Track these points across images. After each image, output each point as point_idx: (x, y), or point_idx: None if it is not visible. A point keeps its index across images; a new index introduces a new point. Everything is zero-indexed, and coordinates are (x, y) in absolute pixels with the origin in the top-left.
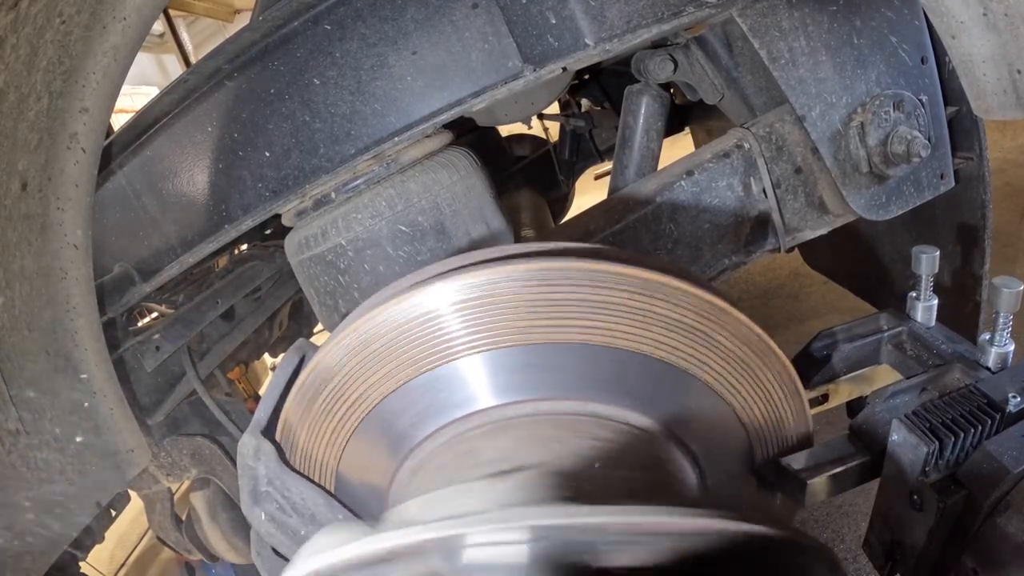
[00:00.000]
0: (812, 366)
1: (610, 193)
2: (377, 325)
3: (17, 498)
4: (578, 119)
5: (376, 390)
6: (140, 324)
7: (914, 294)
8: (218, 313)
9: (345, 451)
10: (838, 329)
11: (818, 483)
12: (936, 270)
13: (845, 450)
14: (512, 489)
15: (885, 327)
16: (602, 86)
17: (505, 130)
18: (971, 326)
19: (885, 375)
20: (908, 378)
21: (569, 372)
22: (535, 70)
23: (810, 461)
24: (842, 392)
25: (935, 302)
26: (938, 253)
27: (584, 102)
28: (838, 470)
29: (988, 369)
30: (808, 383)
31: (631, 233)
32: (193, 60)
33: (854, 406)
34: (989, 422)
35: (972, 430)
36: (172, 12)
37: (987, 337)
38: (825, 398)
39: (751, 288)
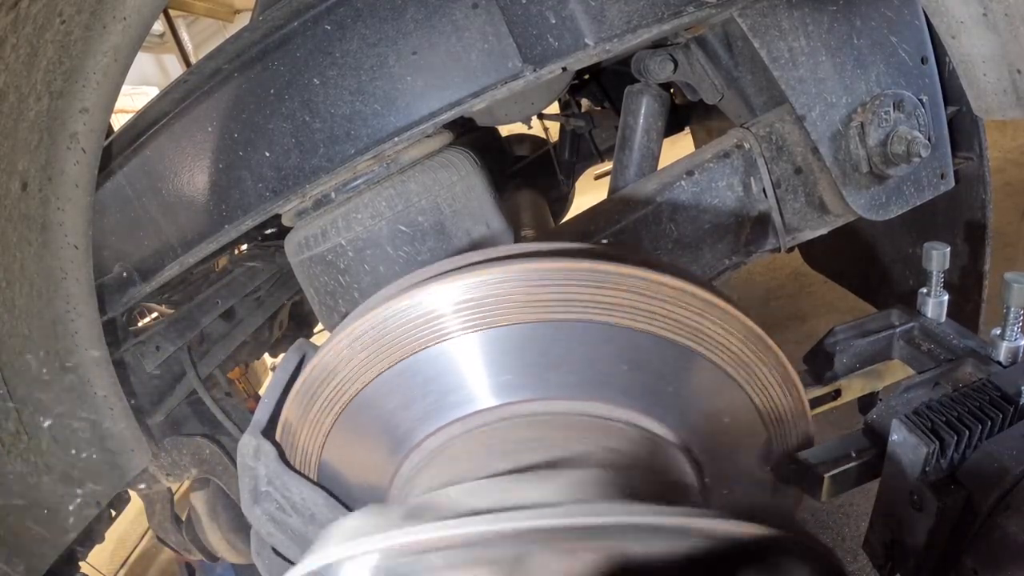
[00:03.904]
0: (824, 362)
1: (610, 193)
2: (378, 325)
3: (17, 498)
4: (578, 119)
5: (380, 394)
6: (140, 324)
7: (924, 290)
8: (218, 313)
9: (345, 451)
10: (849, 325)
11: (835, 477)
12: (947, 266)
13: (860, 445)
14: (567, 486)
15: (896, 323)
16: (602, 86)
17: (505, 130)
18: (972, 325)
19: (896, 371)
20: (921, 373)
21: (569, 368)
22: (535, 70)
23: (826, 455)
24: (854, 388)
25: (945, 298)
26: (948, 249)
27: (584, 102)
28: (854, 464)
29: (999, 363)
30: (820, 379)
31: (631, 233)
32: (193, 60)
33: (865, 403)
34: (1001, 416)
35: (979, 427)
36: (172, 12)
37: (998, 332)
38: (838, 394)
39: (751, 288)
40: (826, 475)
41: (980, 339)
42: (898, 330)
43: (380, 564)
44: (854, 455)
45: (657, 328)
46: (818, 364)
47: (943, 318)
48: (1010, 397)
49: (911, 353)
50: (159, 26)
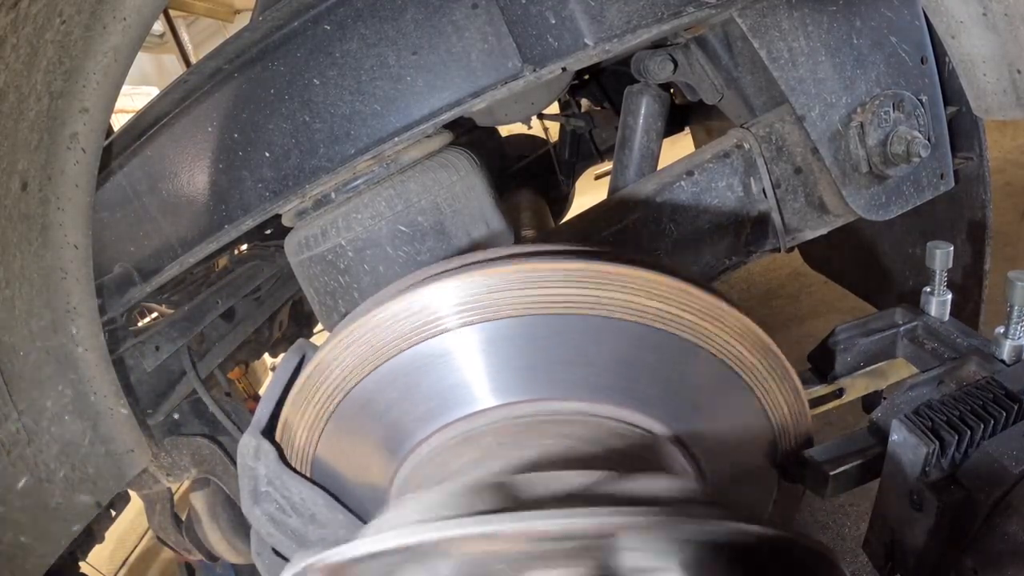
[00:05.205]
0: (828, 360)
1: (610, 193)
2: (377, 324)
3: (17, 498)
4: (578, 119)
5: (376, 391)
6: (140, 324)
7: (928, 289)
8: (218, 313)
9: (345, 452)
10: (853, 324)
11: (839, 476)
12: (950, 265)
13: (866, 442)
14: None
15: (900, 322)
16: (602, 86)
17: (505, 130)
18: (973, 325)
19: (900, 369)
20: (925, 371)
21: (568, 367)
22: (535, 70)
23: (832, 453)
24: (858, 386)
25: (949, 297)
26: (952, 248)
27: (584, 102)
28: (860, 462)
29: (1003, 362)
30: (824, 377)
31: (631, 233)
32: (193, 60)
33: (868, 401)
34: (1004, 414)
35: (981, 426)
36: (172, 12)
37: (1001, 331)
38: (841, 392)
39: (751, 288)
40: (831, 473)
41: (984, 338)
42: (902, 329)
43: None
44: (858, 454)
45: (660, 326)
46: (822, 363)
47: (947, 317)
48: (1015, 395)
49: (915, 352)
50: (159, 26)
